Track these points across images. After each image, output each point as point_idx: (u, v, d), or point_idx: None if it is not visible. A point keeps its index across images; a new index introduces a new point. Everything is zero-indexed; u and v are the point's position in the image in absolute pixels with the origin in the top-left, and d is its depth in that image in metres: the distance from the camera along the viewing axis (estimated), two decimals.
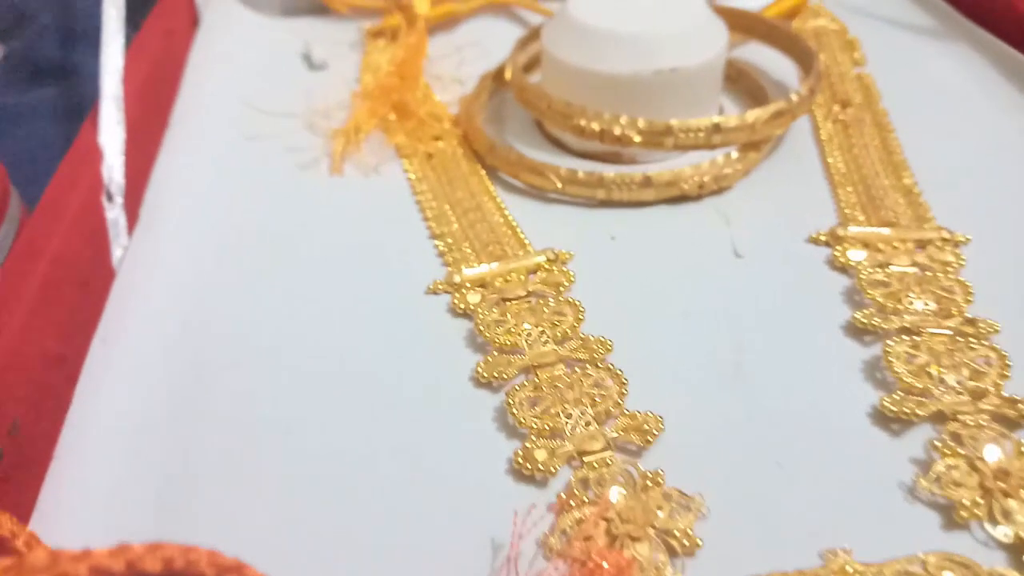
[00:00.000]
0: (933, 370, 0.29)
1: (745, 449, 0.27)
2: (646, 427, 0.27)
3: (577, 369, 0.29)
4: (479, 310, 0.32)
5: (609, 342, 0.30)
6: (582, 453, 0.27)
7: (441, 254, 0.36)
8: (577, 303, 0.32)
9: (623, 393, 0.28)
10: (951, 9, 0.52)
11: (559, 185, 0.38)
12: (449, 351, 0.31)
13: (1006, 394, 0.28)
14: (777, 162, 0.40)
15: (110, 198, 0.36)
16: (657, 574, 0.23)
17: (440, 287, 0.34)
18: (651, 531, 0.24)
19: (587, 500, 0.25)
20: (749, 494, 0.26)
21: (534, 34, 0.45)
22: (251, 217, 0.38)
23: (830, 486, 0.26)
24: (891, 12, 0.53)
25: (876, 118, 0.43)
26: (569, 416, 0.28)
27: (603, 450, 0.27)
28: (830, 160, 0.40)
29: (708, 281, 0.34)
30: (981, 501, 0.25)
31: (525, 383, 0.29)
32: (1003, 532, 0.24)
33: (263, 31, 0.54)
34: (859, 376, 0.29)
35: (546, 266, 0.34)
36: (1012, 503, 0.25)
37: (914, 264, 0.33)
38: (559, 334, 0.31)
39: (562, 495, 0.25)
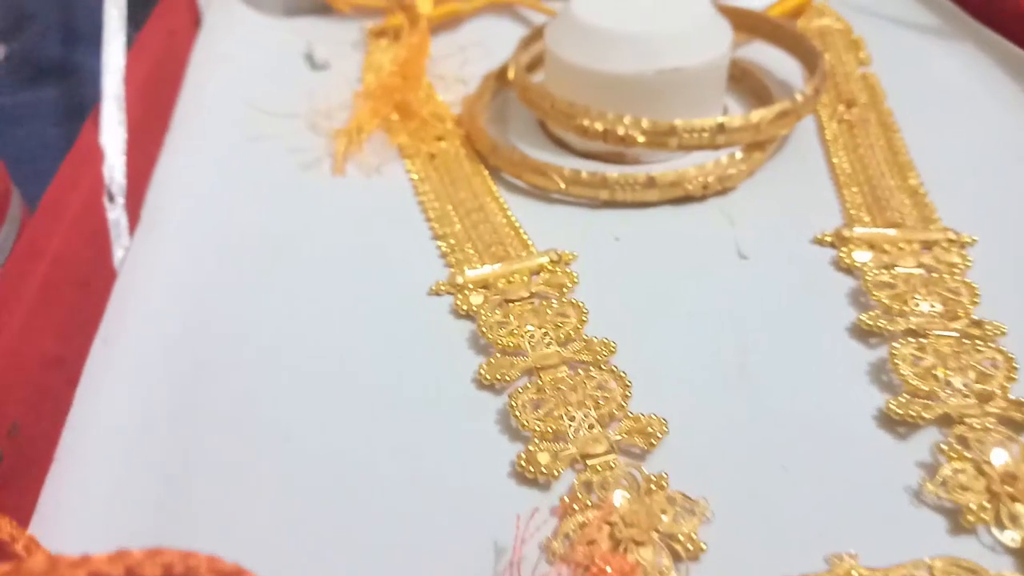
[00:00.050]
0: (939, 373, 0.28)
1: (750, 452, 0.27)
2: (650, 430, 0.27)
3: (580, 371, 0.29)
4: (482, 311, 0.32)
5: (613, 344, 0.30)
6: (585, 456, 0.26)
7: (443, 255, 0.35)
8: (580, 304, 0.32)
9: (627, 395, 0.28)
10: (956, 8, 0.52)
11: (562, 185, 0.38)
12: (451, 353, 0.31)
13: (1013, 397, 0.27)
14: (782, 162, 0.40)
15: (111, 199, 0.35)
16: None
17: (442, 288, 0.33)
18: (655, 535, 0.24)
19: (590, 504, 0.25)
20: (754, 498, 0.26)
21: (537, 34, 0.45)
22: (253, 218, 0.38)
23: (835, 490, 0.26)
24: (896, 11, 0.53)
25: (881, 118, 0.42)
26: (572, 419, 0.27)
27: (606, 453, 0.26)
28: (835, 160, 0.40)
29: (712, 282, 0.34)
30: (988, 505, 0.24)
31: (528, 385, 0.29)
32: (1010, 537, 0.24)
33: (265, 31, 0.54)
34: (864, 378, 0.29)
35: (549, 267, 0.34)
36: (1019, 507, 0.24)
37: (920, 265, 0.33)
38: (562, 336, 0.31)
39: (565, 499, 0.25)
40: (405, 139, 0.42)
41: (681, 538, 0.24)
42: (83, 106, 0.47)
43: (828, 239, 0.35)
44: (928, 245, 0.34)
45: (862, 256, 0.34)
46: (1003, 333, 0.30)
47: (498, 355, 0.30)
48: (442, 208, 0.38)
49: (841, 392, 0.29)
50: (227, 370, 0.30)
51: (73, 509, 0.26)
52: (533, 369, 0.29)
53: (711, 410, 0.28)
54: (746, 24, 0.45)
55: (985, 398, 0.27)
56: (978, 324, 0.30)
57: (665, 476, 0.25)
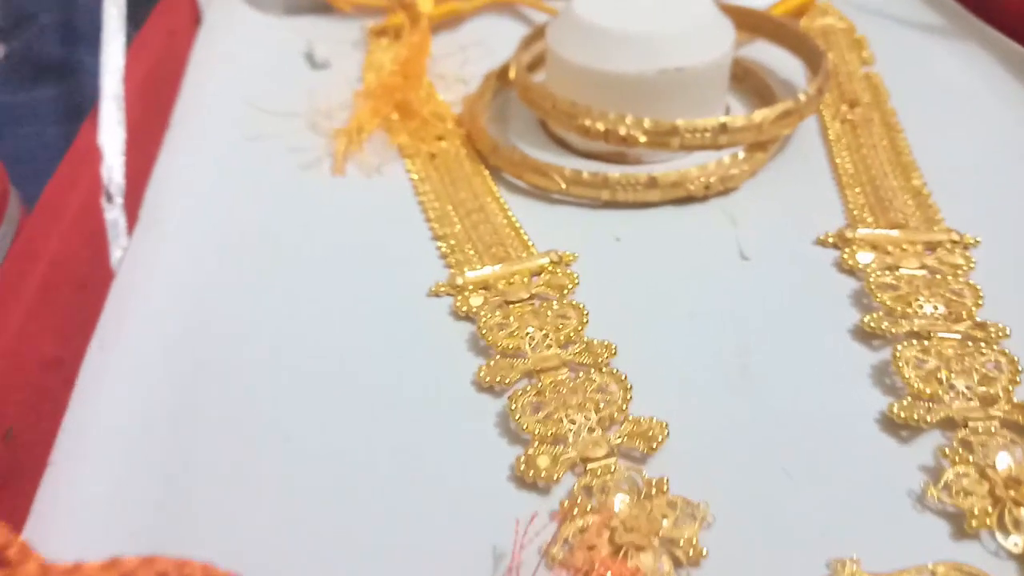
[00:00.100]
0: (943, 375, 0.28)
1: (751, 456, 0.27)
2: (650, 433, 0.27)
3: (581, 374, 0.29)
4: (481, 313, 0.32)
5: (613, 346, 0.30)
6: (585, 460, 0.26)
7: (443, 256, 0.35)
8: (581, 306, 0.32)
9: (627, 398, 0.28)
10: (960, 7, 0.52)
11: (563, 186, 0.37)
12: (451, 354, 0.31)
13: (1017, 400, 0.27)
14: (784, 162, 0.40)
15: (109, 199, 0.35)
16: None
17: (442, 289, 0.33)
18: (655, 540, 0.24)
19: (590, 508, 0.25)
20: (755, 502, 0.25)
21: (538, 33, 0.44)
22: (252, 218, 0.38)
23: (838, 494, 0.25)
24: (899, 10, 0.52)
25: (884, 118, 0.42)
26: (572, 422, 0.27)
27: (607, 457, 0.26)
28: (838, 160, 0.39)
29: (714, 283, 0.33)
30: (991, 510, 0.24)
31: (528, 388, 0.28)
32: (1014, 542, 0.24)
33: (265, 30, 0.54)
34: (867, 381, 0.29)
35: (550, 268, 0.34)
36: (1023, 512, 0.24)
37: (923, 267, 0.33)
38: (562, 338, 0.30)
39: (565, 503, 0.25)
40: (405, 139, 0.42)
41: (682, 543, 0.24)
42: (82, 106, 0.47)
43: (831, 240, 0.35)
44: (931, 246, 0.34)
45: (865, 257, 0.33)
46: (1007, 335, 0.29)
47: (498, 357, 0.30)
48: (442, 208, 0.38)
49: (843, 395, 0.29)
50: (225, 371, 0.30)
51: (68, 513, 0.26)
52: (533, 371, 0.29)
53: (712, 413, 0.28)
54: (749, 23, 0.45)
55: (989, 401, 0.27)
56: (982, 326, 0.30)
57: (666, 480, 0.25)
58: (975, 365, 0.28)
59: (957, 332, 0.30)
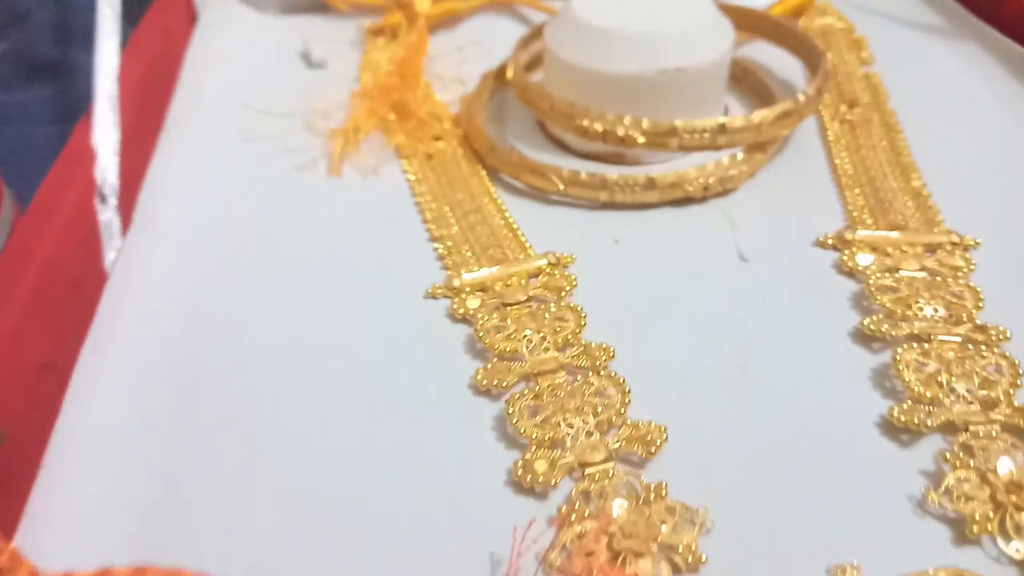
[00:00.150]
0: (943, 379, 0.28)
1: (750, 460, 0.26)
2: (649, 438, 0.26)
3: (579, 377, 0.29)
4: (479, 315, 0.31)
5: (611, 349, 0.30)
6: (583, 464, 0.26)
7: (440, 257, 0.35)
8: (579, 308, 0.31)
9: (626, 402, 0.28)
10: (959, 7, 0.51)
11: (561, 187, 0.37)
12: (448, 357, 0.31)
13: (1018, 404, 0.27)
14: (783, 163, 0.40)
15: (103, 200, 0.35)
16: None
17: (439, 291, 0.33)
18: (654, 546, 0.23)
19: (588, 514, 0.24)
20: (754, 507, 0.25)
21: (536, 32, 0.44)
22: (248, 219, 0.37)
23: (838, 499, 0.25)
24: (899, 10, 0.52)
25: (884, 118, 0.42)
26: (570, 426, 0.27)
27: (605, 461, 0.26)
28: (837, 161, 0.39)
29: (713, 285, 0.33)
30: (993, 515, 0.24)
31: (525, 391, 0.28)
32: (1015, 547, 0.23)
33: (261, 29, 0.54)
34: (867, 384, 0.29)
35: (547, 270, 0.34)
36: None
37: (923, 269, 0.32)
38: (560, 340, 0.30)
39: (562, 508, 0.25)
40: (402, 139, 0.42)
41: (681, 549, 0.23)
42: (77, 105, 0.47)
43: (830, 242, 0.34)
44: (931, 248, 0.34)
45: (864, 259, 0.33)
46: (1007, 338, 0.29)
47: (495, 360, 0.30)
48: (439, 209, 0.37)
49: (843, 398, 0.28)
50: (220, 374, 0.30)
51: (62, 519, 0.25)
52: (530, 375, 0.29)
53: (711, 416, 0.28)
54: (748, 23, 0.45)
55: (989, 405, 0.27)
56: (982, 329, 0.30)
57: (664, 485, 0.25)
58: (976, 368, 0.28)
59: (957, 335, 0.29)
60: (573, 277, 0.33)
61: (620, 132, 0.37)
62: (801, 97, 0.38)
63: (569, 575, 0.23)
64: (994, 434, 0.26)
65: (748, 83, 0.45)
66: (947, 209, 0.36)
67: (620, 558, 0.23)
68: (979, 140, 0.41)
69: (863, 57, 0.47)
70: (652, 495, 0.25)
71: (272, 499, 0.26)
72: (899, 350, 0.29)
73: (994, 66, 0.46)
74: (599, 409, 0.27)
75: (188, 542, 0.25)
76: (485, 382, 0.29)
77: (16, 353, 0.28)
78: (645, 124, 0.36)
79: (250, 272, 0.35)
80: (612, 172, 0.37)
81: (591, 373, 0.29)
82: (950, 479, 0.25)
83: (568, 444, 0.26)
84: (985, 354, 0.29)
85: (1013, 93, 0.44)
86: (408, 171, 0.40)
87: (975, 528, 0.24)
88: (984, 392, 0.27)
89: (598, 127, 0.37)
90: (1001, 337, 0.29)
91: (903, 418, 0.27)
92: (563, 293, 0.32)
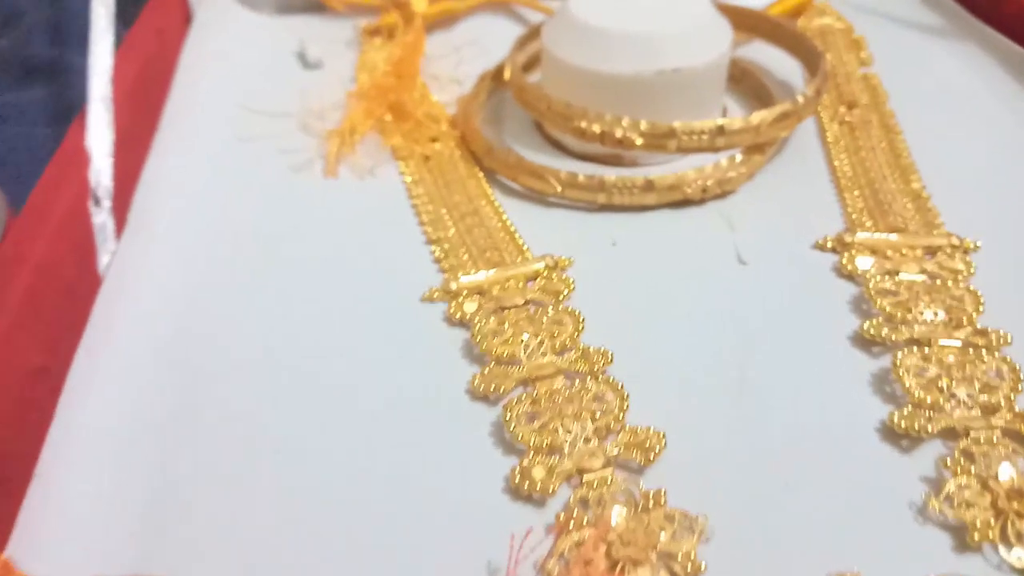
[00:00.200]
0: (943, 383, 0.28)
1: (750, 466, 0.26)
2: (648, 444, 0.26)
3: (577, 382, 0.28)
4: (476, 319, 0.31)
5: (609, 353, 0.29)
6: (582, 471, 0.26)
7: (437, 260, 0.35)
8: (577, 312, 0.31)
9: (624, 407, 0.27)
10: (958, 7, 0.51)
11: (559, 189, 0.37)
12: (444, 362, 0.30)
13: (1019, 409, 0.27)
14: (782, 165, 0.39)
15: (97, 202, 0.35)
16: None
17: (436, 295, 0.33)
18: (653, 555, 0.23)
19: (587, 521, 0.24)
20: (754, 514, 0.25)
21: (534, 33, 0.44)
22: (243, 221, 0.37)
23: (838, 506, 0.25)
24: (898, 10, 0.52)
25: (883, 119, 0.42)
26: (568, 431, 0.27)
27: (603, 468, 0.26)
28: (836, 163, 0.39)
29: (711, 288, 0.33)
30: (994, 522, 0.24)
31: (523, 396, 0.28)
32: (1017, 555, 0.23)
33: (257, 29, 0.53)
34: (867, 389, 0.29)
35: (545, 273, 0.33)
36: None
37: (923, 272, 0.32)
38: (558, 344, 0.30)
39: (560, 516, 0.24)
40: (399, 140, 0.41)
41: (680, 557, 0.23)
42: (72, 106, 0.46)
43: (829, 244, 0.34)
44: (931, 251, 0.33)
45: (864, 262, 0.33)
46: (1008, 342, 0.29)
47: (492, 364, 0.29)
48: (436, 211, 0.37)
49: (843, 404, 0.28)
50: (215, 379, 0.30)
51: (55, 527, 0.25)
52: (528, 379, 0.29)
53: (710, 421, 0.28)
54: (746, 23, 0.45)
55: (990, 410, 0.27)
56: (983, 333, 0.29)
57: (663, 492, 0.25)
58: (976, 373, 0.28)
59: (958, 339, 0.29)
60: (571, 280, 0.33)
61: (618, 133, 0.36)
62: (800, 98, 0.37)
63: None
64: (995, 440, 0.26)
65: (747, 84, 0.44)
66: (947, 211, 0.35)
67: (619, 566, 0.23)
68: (979, 141, 0.41)
69: (862, 58, 0.47)
70: (651, 502, 0.24)
71: (267, 506, 0.26)
72: (899, 354, 0.29)
73: (994, 67, 0.46)
74: (597, 415, 0.27)
75: (183, 548, 0.25)
76: (482, 387, 0.29)
77: (9, 358, 0.27)
78: (643, 126, 0.36)
79: (245, 275, 0.34)
80: (610, 174, 0.37)
81: (589, 378, 0.29)
82: (951, 485, 0.25)
83: (566, 450, 0.26)
84: (986, 358, 0.28)
85: (1013, 94, 0.44)
86: (405, 172, 0.40)
87: (976, 535, 0.24)
88: (985, 397, 0.27)
89: (596, 128, 0.37)
90: (1002, 341, 0.29)
91: (903, 424, 0.27)
92: (561, 296, 0.32)
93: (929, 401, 0.27)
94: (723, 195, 0.37)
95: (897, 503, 0.25)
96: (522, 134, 0.42)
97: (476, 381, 0.29)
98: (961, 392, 0.27)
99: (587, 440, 0.26)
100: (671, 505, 0.25)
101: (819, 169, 0.39)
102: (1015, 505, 0.24)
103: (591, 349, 0.30)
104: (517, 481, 0.25)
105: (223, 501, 0.26)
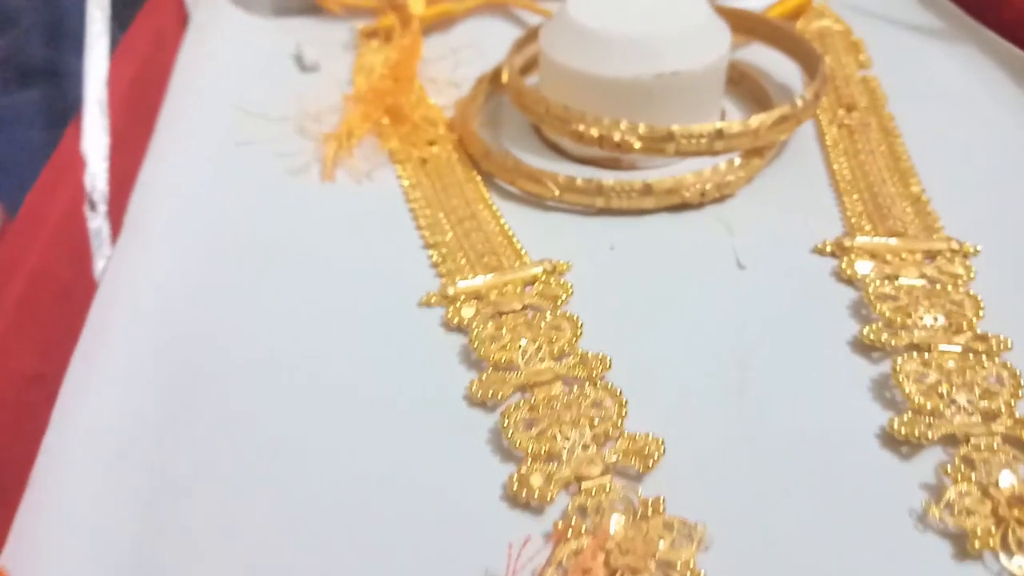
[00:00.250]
0: (943, 389, 0.27)
1: (749, 473, 0.26)
2: (647, 451, 0.26)
3: (575, 388, 0.28)
4: (474, 324, 0.31)
5: (608, 358, 0.29)
6: (580, 478, 0.25)
7: (435, 264, 0.34)
8: (575, 317, 0.31)
9: (622, 414, 0.27)
10: (957, 9, 0.51)
11: (557, 192, 0.37)
12: (442, 367, 0.30)
13: (1019, 415, 0.27)
14: (781, 168, 0.39)
15: (93, 207, 0.34)
16: None
17: (433, 299, 0.33)
18: (652, 564, 0.23)
19: (585, 530, 0.24)
20: (753, 522, 0.25)
21: (532, 35, 0.44)
22: (240, 225, 0.37)
23: (837, 513, 0.25)
24: (897, 13, 0.52)
25: (882, 122, 0.41)
26: (567, 438, 0.27)
27: (602, 475, 0.26)
28: (835, 166, 0.39)
29: (710, 293, 0.33)
30: (995, 530, 0.24)
31: (521, 403, 0.28)
32: (1018, 563, 0.23)
33: (254, 31, 0.53)
34: (867, 395, 0.28)
35: (543, 278, 0.33)
36: None
37: (923, 276, 0.32)
38: (556, 350, 0.30)
39: (559, 524, 0.24)
40: (396, 144, 0.41)
41: (679, 566, 0.23)
42: (68, 109, 0.46)
43: (829, 249, 0.34)
44: (931, 255, 0.33)
45: (863, 267, 0.33)
46: (1008, 348, 0.29)
47: (490, 370, 0.29)
48: (433, 215, 0.37)
49: (843, 409, 0.28)
50: (213, 385, 0.30)
51: (50, 536, 0.25)
52: (526, 385, 0.29)
53: (709, 428, 0.28)
54: (744, 26, 0.44)
55: (990, 416, 0.27)
56: (983, 338, 0.29)
57: (662, 500, 0.25)
58: (976, 379, 0.28)
59: (958, 344, 0.29)
60: (569, 285, 0.33)
61: (616, 137, 0.36)
62: (799, 101, 0.37)
63: None
64: (995, 447, 0.26)
65: (745, 86, 0.44)
66: (946, 215, 0.35)
67: (617, 575, 0.23)
68: (978, 144, 0.40)
69: (861, 60, 0.47)
70: (650, 510, 0.24)
71: (263, 515, 0.25)
72: (899, 360, 0.28)
73: (993, 69, 0.46)
74: (596, 421, 0.27)
75: (180, 555, 0.24)
76: (480, 393, 0.28)
77: (4, 364, 0.27)
78: (642, 129, 0.36)
79: (242, 280, 0.34)
80: (608, 177, 0.36)
81: (588, 384, 0.28)
82: (951, 493, 0.25)
83: (564, 457, 0.26)
84: (986, 364, 0.28)
85: (1012, 96, 0.44)
86: (402, 176, 0.39)
87: (977, 543, 0.23)
88: (985, 403, 0.27)
89: (594, 132, 0.36)
90: (1002, 347, 0.29)
91: (904, 430, 0.26)
92: (559, 301, 0.32)
93: (929, 407, 0.27)
94: (722, 199, 0.37)
95: (897, 510, 0.25)
96: (520, 137, 0.41)
97: (474, 387, 0.29)
98: (961, 398, 0.27)
99: (585, 447, 0.26)
100: (670, 512, 0.24)
101: (818, 172, 0.39)
102: (1016, 513, 0.24)
103: (589, 355, 0.29)
104: (515, 488, 0.25)
105: (219, 508, 0.26)
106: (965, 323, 0.30)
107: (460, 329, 0.31)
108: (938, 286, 0.32)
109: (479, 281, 0.33)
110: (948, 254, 0.33)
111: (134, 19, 0.47)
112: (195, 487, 0.26)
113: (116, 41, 0.42)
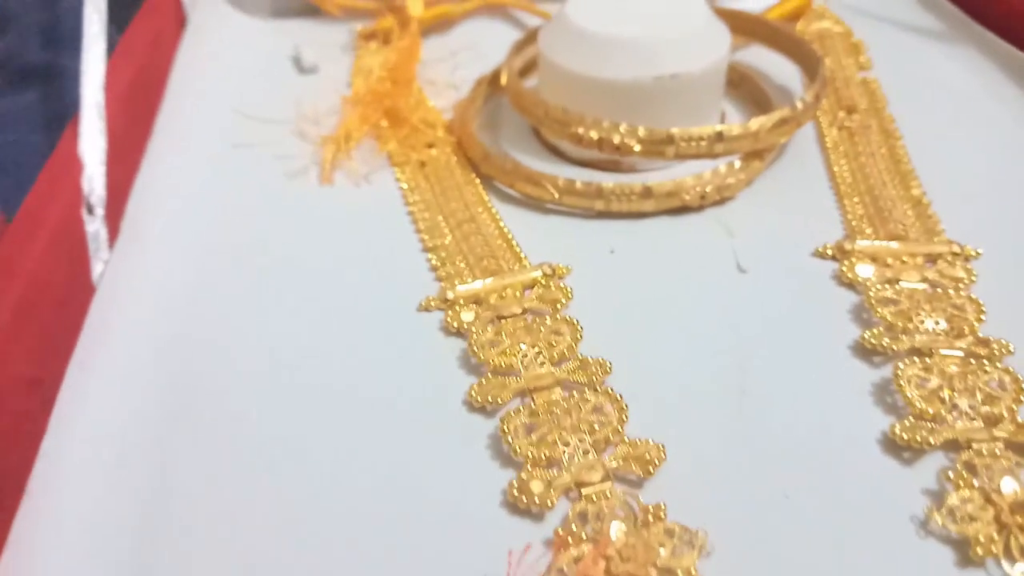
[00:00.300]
0: (945, 394, 0.27)
1: (750, 479, 0.26)
2: (647, 456, 0.26)
3: (575, 393, 0.28)
4: (473, 329, 0.31)
5: (608, 363, 0.29)
6: (580, 484, 0.25)
7: (434, 268, 0.34)
8: (575, 321, 0.31)
9: (623, 419, 0.27)
10: (958, 11, 0.51)
11: (556, 195, 0.37)
12: (441, 372, 0.30)
13: (1021, 420, 0.27)
14: (781, 171, 0.39)
15: (90, 210, 0.34)
16: None
17: (432, 304, 0.32)
18: (653, 571, 0.23)
19: (585, 537, 0.24)
20: (755, 528, 0.25)
21: (531, 37, 0.43)
22: (238, 229, 0.37)
23: (839, 519, 0.25)
24: (897, 14, 0.52)
25: (883, 124, 0.41)
26: (567, 444, 0.26)
27: (602, 481, 0.25)
28: (836, 169, 0.39)
29: (710, 296, 0.33)
30: (997, 537, 0.24)
31: (520, 408, 0.28)
32: (1020, 570, 0.23)
33: (252, 33, 0.53)
34: (868, 400, 0.28)
35: (543, 281, 0.33)
36: None
37: (924, 280, 0.32)
38: (556, 355, 0.30)
39: (559, 531, 0.24)
40: (395, 146, 0.41)
41: (680, 573, 0.23)
42: (64, 112, 0.46)
43: (829, 252, 0.34)
44: (932, 258, 0.33)
45: (864, 270, 0.33)
46: (1010, 352, 0.29)
47: (490, 375, 0.29)
48: (432, 219, 0.37)
49: (844, 414, 0.28)
50: (211, 391, 0.29)
51: (47, 545, 0.25)
52: (526, 390, 0.28)
53: (710, 433, 0.27)
54: (744, 28, 0.44)
55: (992, 421, 0.27)
56: (984, 343, 0.29)
57: (663, 506, 0.24)
58: (978, 384, 0.28)
59: (959, 349, 0.29)
60: (569, 289, 0.32)
61: (616, 140, 0.36)
62: (799, 104, 0.37)
63: None
64: (997, 452, 0.26)
65: (745, 89, 0.44)
66: (948, 218, 0.35)
67: None
68: (979, 146, 0.40)
69: (861, 62, 0.47)
70: (651, 517, 0.24)
71: (260, 522, 0.25)
72: (900, 365, 0.28)
73: (994, 70, 0.46)
74: (596, 427, 0.27)
75: (177, 563, 0.24)
76: (479, 399, 0.28)
77: (1, 370, 0.27)
78: (641, 132, 0.36)
79: (240, 284, 0.34)
80: (608, 180, 0.36)
81: (588, 389, 0.28)
82: (953, 499, 0.25)
83: (565, 463, 0.26)
84: (988, 369, 0.28)
85: (1013, 98, 0.44)
86: (401, 179, 0.39)
87: (979, 550, 0.23)
88: (987, 408, 0.27)
89: (593, 134, 0.36)
90: (1004, 351, 0.29)
91: (905, 436, 0.26)
92: (559, 305, 0.32)
93: (931, 413, 0.27)
94: (722, 202, 0.37)
95: (899, 516, 0.25)
96: (519, 140, 0.41)
97: (473, 392, 0.28)
98: (963, 403, 0.27)
99: (586, 453, 0.26)
100: (671, 519, 0.24)
101: (818, 175, 0.39)
102: (1018, 519, 0.24)
103: (589, 359, 0.29)
104: (515, 495, 0.25)
105: (216, 515, 0.25)
106: (967, 327, 0.30)
107: (459, 333, 0.31)
108: (939, 290, 0.31)
109: (478, 285, 0.33)
110: (949, 257, 0.33)
111: (132, 21, 0.47)
112: (193, 492, 0.26)
113: (114, 43, 0.42)
